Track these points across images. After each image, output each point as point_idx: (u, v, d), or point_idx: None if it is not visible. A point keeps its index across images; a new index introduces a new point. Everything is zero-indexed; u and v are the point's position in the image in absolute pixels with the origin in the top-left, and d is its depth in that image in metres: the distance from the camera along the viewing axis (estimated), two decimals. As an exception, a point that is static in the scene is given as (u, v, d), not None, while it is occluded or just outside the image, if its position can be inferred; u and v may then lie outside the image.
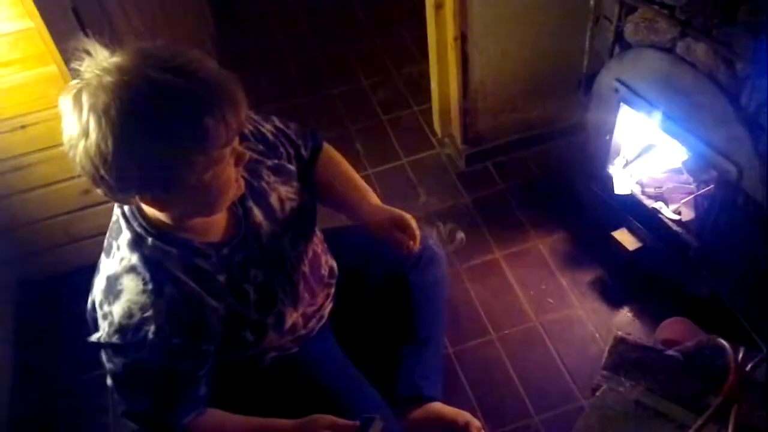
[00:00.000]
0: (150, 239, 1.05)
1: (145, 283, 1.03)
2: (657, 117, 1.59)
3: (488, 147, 2.28)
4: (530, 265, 1.96)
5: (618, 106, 1.72)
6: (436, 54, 2.14)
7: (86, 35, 1.72)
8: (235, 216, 1.16)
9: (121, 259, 1.05)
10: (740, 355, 1.09)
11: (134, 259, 1.04)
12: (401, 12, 3.04)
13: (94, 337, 1.07)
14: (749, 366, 1.10)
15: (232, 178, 1.04)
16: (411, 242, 1.34)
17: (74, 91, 0.91)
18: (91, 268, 1.96)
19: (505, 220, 2.11)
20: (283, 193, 1.26)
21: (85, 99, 0.89)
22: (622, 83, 1.66)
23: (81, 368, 1.86)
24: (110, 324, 1.04)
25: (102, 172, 0.92)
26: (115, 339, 1.03)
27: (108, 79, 0.89)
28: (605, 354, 1.32)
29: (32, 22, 1.58)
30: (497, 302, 1.88)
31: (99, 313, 1.07)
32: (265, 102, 2.61)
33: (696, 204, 1.69)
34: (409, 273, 1.55)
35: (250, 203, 1.19)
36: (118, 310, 1.03)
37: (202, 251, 1.10)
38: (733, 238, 1.54)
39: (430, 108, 2.41)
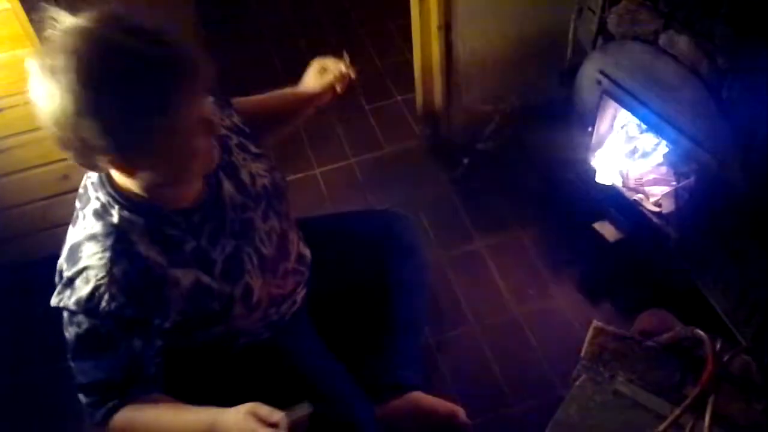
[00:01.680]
0: (117, 208, 1.06)
1: (103, 251, 1.04)
2: (639, 109, 1.60)
3: (471, 136, 2.28)
4: (511, 256, 1.97)
5: (600, 98, 1.72)
6: (420, 43, 2.13)
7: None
8: (206, 185, 1.16)
9: (84, 228, 1.07)
10: (718, 347, 1.11)
11: (97, 227, 1.05)
12: (386, 0, 3.02)
13: (54, 301, 1.08)
14: (727, 357, 1.11)
15: (202, 147, 1.04)
16: (344, 73, 1.49)
17: (39, 55, 0.92)
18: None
19: (486, 211, 2.11)
20: (253, 168, 1.27)
21: (48, 62, 0.91)
22: (605, 75, 1.66)
23: (56, 355, 1.84)
24: (68, 289, 1.05)
25: (67, 133, 0.93)
26: (71, 304, 1.04)
27: (69, 40, 0.90)
28: (584, 344, 1.32)
29: (8, 4, 1.56)
30: (478, 292, 1.88)
31: (60, 280, 1.08)
32: (247, 88, 2.57)
33: (676, 196, 1.70)
34: (389, 262, 1.55)
35: (221, 175, 1.19)
36: (75, 275, 1.04)
37: (171, 219, 1.10)
38: (712, 230, 1.55)
39: (414, 97, 2.40)
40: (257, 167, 1.28)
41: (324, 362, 1.40)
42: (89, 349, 1.07)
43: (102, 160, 0.98)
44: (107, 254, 1.04)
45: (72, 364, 1.10)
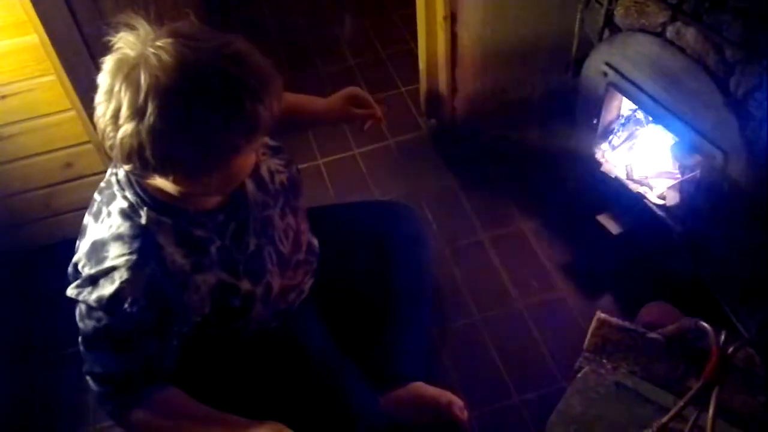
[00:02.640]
0: (145, 209, 1.05)
1: (130, 253, 1.03)
2: (645, 101, 1.59)
3: (475, 128, 2.27)
4: (514, 248, 1.96)
5: (606, 90, 1.72)
6: (425, 34, 2.12)
7: (69, 5, 1.70)
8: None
9: (110, 226, 1.05)
10: (722, 339, 1.10)
11: (124, 228, 1.04)
12: (390, -9, 3.01)
13: (71, 292, 1.07)
14: (731, 350, 1.11)
15: (249, 165, 1.05)
16: (372, 111, 1.45)
17: (114, 64, 0.90)
18: (72, 242, 1.94)
19: (490, 202, 2.11)
20: (272, 165, 1.26)
21: (143, 78, 0.88)
22: (611, 67, 1.66)
23: (58, 343, 1.84)
24: (90, 284, 1.04)
25: (147, 152, 0.92)
26: (92, 300, 1.03)
27: (153, 61, 0.88)
28: (587, 336, 1.32)
29: (13, -10, 1.55)
30: (481, 284, 1.88)
31: (79, 271, 1.07)
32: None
33: (681, 189, 1.69)
34: (393, 253, 1.55)
35: None
36: (99, 273, 1.03)
37: (197, 219, 1.10)
38: (716, 223, 1.55)
39: (418, 88, 2.38)
40: (276, 163, 1.27)
41: (330, 351, 1.40)
42: (106, 343, 1.07)
43: (157, 174, 0.98)
44: (134, 257, 1.03)
45: (85, 352, 1.10)
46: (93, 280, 1.04)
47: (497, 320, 1.79)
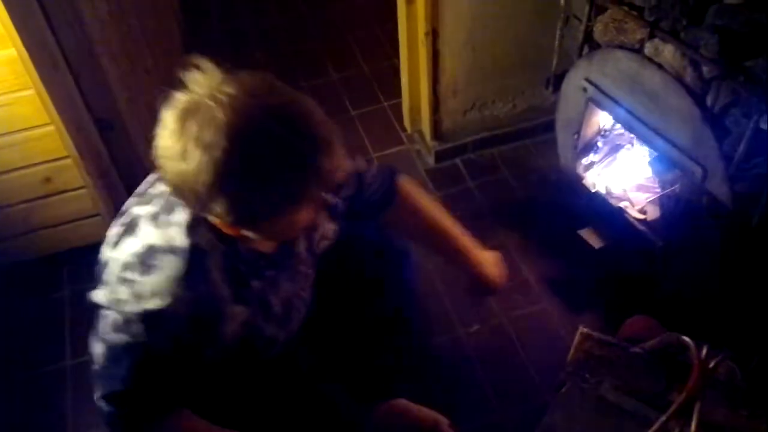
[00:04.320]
0: (204, 229, 1.02)
1: (184, 272, 1.00)
2: (624, 117, 1.61)
3: (457, 144, 2.28)
4: (497, 262, 1.97)
5: (586, 105, 1.73)
6: (407, 49, 2.13)
7: (48, 19, 1.69)
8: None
9: (169, 236, 1.01)
10: (704, 353, 1.11)
11: (184, 242, 1.01)
12: (373, 6, 3.02)
13: (101, 297, 1.03)
14: (712, 364, 1.12)
15: (308, 220, 1.04)
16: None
17: (180, 110, 0.90)
18: (49, 259, 1.91)
19: (472, 217, 2.10)
20: (326, 231, 1.25)
21: (190, 126, 0.88)
22: (591, 83, 1.67)
23: (38, 360, 1.82)
24: (132, 294, 1.00)
25: (187, 193, 0.92)
26: (132, 313, 0.99)
27: (219, 116, 0.87)
28: (570, 351, 1.32)
29: (-11, 4, 1.53)
30: (464, 299, 1.87)
31: (119, 274, 1.02)
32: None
33: (661, 203, 1.71)
34: (379, 268, 1.54)
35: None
36: (145, 285, 0.99)
37: (243, 257, 1.07)
38: (696, 237, 1.56)
39: (400, 103, 2.40)
40: (330, 228, 1.26)
41: (318, 367, 1.39)
42: (133, 361, 1.03)
43: (214, 216, 0.97)
44: (186, 276, 1.00)
45: (104, 367, 1.05)
46: (138, 291, 1.00)
47: (480, 335, 1.79)
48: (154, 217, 1.04)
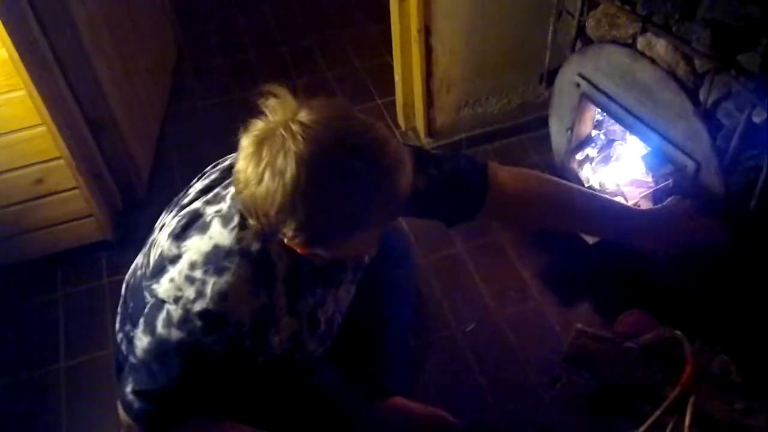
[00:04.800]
0: (276, 240, 1.04)
1: (253, 276, 1.02)
2: (617, 111, 1.61)
3: (451, 140, 2.28)
4: (492, 259, 1.97)
5: (579, 101, 1.73)
6: (400, 46, 2.13)
7: (38, 19, 1.69)
8: None
9: (241, 239, 1.03)
10: (697, 347, 1.11)
11: (255, 247, 1.03)
12: (365, 4, 3.02)
13: (163, 291, 1.03)
14: (706, 357, 1.12)
15: (375, 240, 1.09)
16: None
17: (257, 138, 0.93)
18: (41, 261, 1.90)
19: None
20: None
21: (265, 153, 0.91)
22: (584, 78, 1.67)
23: (33, 363, 1.81)
24: (197, 292, 1.01)
25: (260, 215, 0.94)
26: (194, 309, 1.00)
27: (291, 144, 0.89)
28: (565, 346, 1.32)
29: (-20, 6, 1.53)
30: (459, 296, 1.88)
31: (186, 272, 1.03)
32: (227, 94, 2.57)
33: (654, 198, 1.71)
34: (378, 268, 1.54)
35: None
36: (214, 285, 1.01)
37: (302, 269, 1.10)
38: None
39: (394, 101, 2.39)
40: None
41: (322, 367, 1.39)
42: (181, 359, 1.03)
43: (285, 238, 0.99)
44: (256, 280, 1.03)
45: (145, 361, 1.05)
46: (204, 290, 1.01)
47: (475, 332, 1.79)
48: (227, 219, 1.06)
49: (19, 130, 1.71)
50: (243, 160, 0.94)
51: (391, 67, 2.29)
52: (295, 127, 0.91)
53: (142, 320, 1.06)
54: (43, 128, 1.72)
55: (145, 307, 1.07)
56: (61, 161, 1.80)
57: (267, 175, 0.91)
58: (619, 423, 1.17)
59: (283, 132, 0.91)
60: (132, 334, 1.09)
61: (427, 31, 1.98)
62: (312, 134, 0.91)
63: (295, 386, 1.31)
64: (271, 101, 0.95)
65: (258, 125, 0.95)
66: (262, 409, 1.26)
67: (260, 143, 0.92)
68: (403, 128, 2.40)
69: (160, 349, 1.03)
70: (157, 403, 1.06)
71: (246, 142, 0.94)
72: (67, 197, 1.88)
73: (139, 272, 1.17)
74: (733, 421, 1.14)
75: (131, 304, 1.15)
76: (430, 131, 2.26)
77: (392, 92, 2.37)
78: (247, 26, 3.04)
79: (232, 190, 1.08)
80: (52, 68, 1.78)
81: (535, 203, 1.36)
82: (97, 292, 1.95)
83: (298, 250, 1.03)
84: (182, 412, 1.08)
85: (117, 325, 1.23)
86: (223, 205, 1.08)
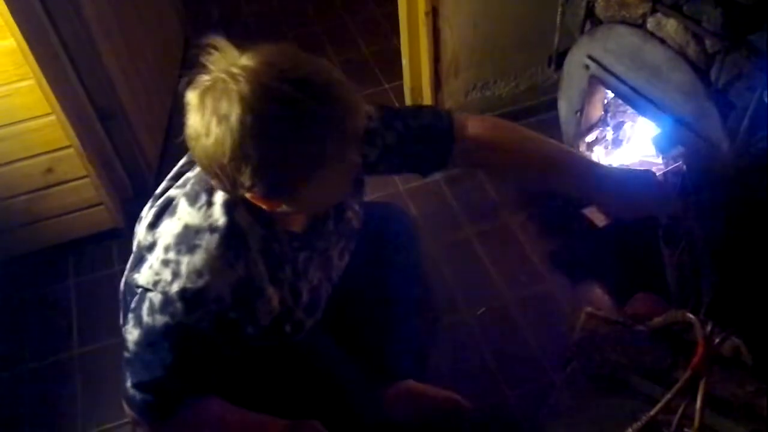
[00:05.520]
0: (243, 208, 1.04)
1: (225, 248, 1.02)
2: (627, 93, 1.59)
3: (460, 124, 2.27)
4: (501, 243, 1.96)
5: (588, 83, 1.72)
6: (407, 29, 2.11)
7: (46, 8, 1.69)
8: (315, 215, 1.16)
9: (209, 216, 1.03)
10: (708, 330, 1.11)
11: (223, 221, 1.03)
12: (371, -13, 3.00)
13: (142, 279, 1.03)
14: (717, 340, 1.11)
15: (341, 186, 1.06)
16: None
17: (200, 89, 0.91)
18: (53, 250, 1.92)
19: (476, 198, 2.10)
20: (355, 206, 1.26)
21: (208, 101, 0.90)
22: (593, 59, 1.66)
23: (45, 352, 1.83)
24: (173, 273, 1.01)
25: (216, 169, 0.93)
26: (173, 291, 1.00)
27: (232, 86, 0.88)
28: (576, 329, 1.32)
29: (-14, -6, 1.53)
30: (469, 280, 1.88)
31: (161, 256, 1.03)
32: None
33: (665, 180, 1.70)
34: (386, 254, 1.54)
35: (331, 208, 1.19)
36: (188, 264, 1.01)
37: (279, 237, 1.09)
38: (701, 214, 1.55)
39: (402, 85, 2.38)
40: (355, 201, 1.27)
41: (330, 350, 1.40)
42: (170, 343, 1.03)
43: (243, 193, 0.97)
44: (228, 253, 1.02)
45: (137, 353, 1.05)
46: (179, 270, 1.01)
47: (485, 316, 1.79)
48: (192, 198, 1.05)
49: (29, 119, 1.72)
50: (190, 114, 0.93)
51: (398, 52, 2.27)
52: (235, 71, 0.90)
53: (130, 315, 1.06)
54: (52, 117, 1.72)
55: (132, 301, 1.08)
56: (71, 150, 1.80)
57: (213, 123, 0.89)
58: (629, 406, 1.17)
59: (224, 77, 0.90)
60: (127, 321, 1.10)
61: (434, 13, 1.96)
62: (253, 74, 0.89)
63: (305, 373, 1.31)
64: (214, 54, 0.93)
65: (201, 78, 0.93)
66: (269, 397, 1.26)
67: (203, 93, 0.91)
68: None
69: (149, 337, 1.03)
70: (157, 393, 1.07)
71: (190, 95, 0.93)
72: (77, 186, 1.89)
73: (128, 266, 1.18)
74: (745, 403, 1.14)
75: (128, 297, 1.16)
76: (439, 115, 2.25)
77: (400, 76, 2.36)
78: (254, 13, 3.03)
79: (195, 169, 1.08)
80: (61, 57, 1.78)
81: (503, 149, 1.33)
82: (108, 280, 1.96)
83: (264, 207, 1.01)
84: (182, 399, 1.09)
85: (121, 320, 1.24)
86: (188, 186, 1.07)
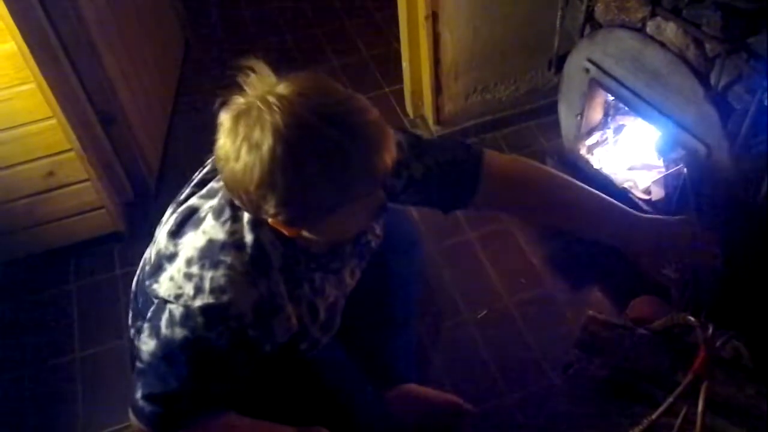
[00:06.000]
0: (266, 227, 1.03)
1: (249, 267, 1.02)
2: (627, 96, 1.60)
3: (460, 128, 2.27)
4: (502, 245, 1.97)
5: (588, 86, 1.72)
6: (407, 33, 2.12)
7: (46, 12, 1.69)
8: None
9: (234, 232, 1.03)
10: (709, 333, 1.11)
11: (249, 238, 1.03)
12: (372, -9, 3.01)
13: (163, 291, 1.03)
14: (718, 343, 1.11)
15: (364, 220, 1.06)
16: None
17: (234, 113, 0.91)
18: (54, 253, 1.92)
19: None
20: (376, 230, 1.26)
21: (241, 127, 0.90)
22: (593, 63, 1.66)
23: (47, 353, 1.83)
24: (196, 288, 1.01)
25: (241, 192, 0.93)
26: (195, 306, 1.00)
27: (267, 116, 0.88)
28: (577, 333, 1.32)
29: (-13, -2, 1.53)
30: (469, 283, 1.88)
31: (183, 269, 1.03)
32: (234, 85, 2.56)
33: (665, 183, 1.70)
34: (387, 257, 1.54)
35: None
36: (212, 280, 1.00)
37: (298, 257, 1.09)
38: (700, 217, 1.55)
39: (402, 89, 2.38)
40: (378, 226, 1.27)
41: (334, 355, 1.39)
42: (186, 357, 1.03)
43: (266, 218, 0.98)
44: (252, 271, 1.02)
45: (151, 364, 1.05)
46: (202, 285, 1.00)
47: (486, 319, 1.79)
48: (218, 213, 1.05)
49: (30, 123, 1.72)
50: (222, 136, 0.93)
51: (398, 55, 2.28)
52: (271, 99, 0.89)
53: (146, 325, 1.06)
54: (53, 121, 1.73)
55: (149, 309, 1.07)
56: (72, 153, 1.81)
57: (244, 150, 0.89)
58: (630, 409, 1.17)
59: (259, 105, 0.90)
60: (141, 331, 1.09)
61: (434, 18, 1.97)
62: (288, 105, 0.89)
63: (307, 378, 1.31)
64: (251, 77, 0.93)
65: (236, 101, 0.93)
66: (273, 403, 1.26)
67: (237, 118, 0.91)
68: (411, 116, 2.39)
69: (166, 349, 1.03)
70: (168, 405, 1.06)
71: (224, 117, 0.93)
72: (78, 189, 1.89)
73: (146, 268, 1.18)
74: (745, 405, 1.14)
75: (140, 299, 1.16)
76: (439, 119, 2.25)
77: (400, 80, 2.36)
78: (253, 16, 3.03)
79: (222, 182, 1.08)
80: (61, 61, 1.78)
81: (528, 194, 1.31)
82: (110, 283, 1.96)
83: (285, 233, 1.01)
84: (193, 412, 1.08)
85: (129, 320, 1.24)
86: (216, 200, 1.07)
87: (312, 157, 0.90)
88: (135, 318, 1.20)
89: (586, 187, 1.31)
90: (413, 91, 2.30)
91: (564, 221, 1.37)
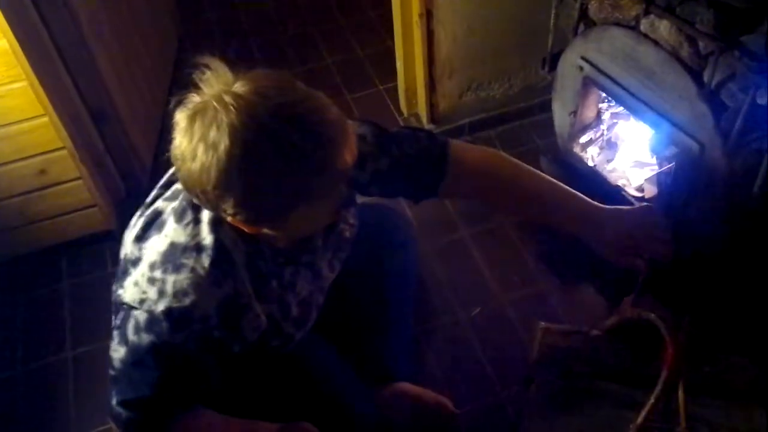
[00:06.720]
0: (226, 226, 1.03)
1: (211, 268, 1.01)
2: (621, 94, 1.60)
3: (454, 126, 2.27)
4: (496, 243, 1.97)
5: (582, 84, 1.72)
6: (401, 31, 2.12)
7: (38, 9, 1.68)
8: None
9: (195, 234, 1.02)
10: (671, 325, 1.09)
11: (209, 239, 1.02)
12: (366, -11, 3.01)
13: (128, 297, 1.02)
14: (682, 336, 1.10)
15: (326, 215, 1.05)
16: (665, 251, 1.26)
17: (190, 112, 0.90)
18: (46, 252, 1.91)
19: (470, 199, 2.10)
20: (349, 219, 1.25)
21: (197, 127, 0.89)
22: (587, 61, 1.66)
23: (39, 352, 1.82)
24: (159, 292, 1.00)
25: (198, 192, 0.92)
26: (159, 310, 0.99)
27: (223, 116, 0.87)
28: (534, 347, 1.29)
29: (-21, -5, 1.52)
30: (463, 281, 1.88)
31: (147, 273, 1.02)
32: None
33: (659, 181, 1.70)
34: (381, 256, 1.54)
35: None
36: (174, 283, 1.00)
37: (264, 253, 1.08)
38: (693, 214, 1.55)
39: (396, 86, 2.38)
40: (350, 215, 1.27)
41: (325, 351, 1.39)
42: (156, 362, 1.02)
43: (225, 217, 0.97)
44: (215, 272, 1.01)
45: (122, 371, 1.04)
46: (165, 289, 1.00)
47: (480, 317, 1.79)
48: (179, 215, 1.04)
49: (21, 121, 1.71)
50: (178, 135, 0.91)
51: (392, 53, 2.28)
52: (228, 99, 0.88)
53: (115, 332, 1.05)
54: (45, 119, 1.72)
55: (117, 317, 1.07)
56: (64, 152, 1.80)
57: (200, 150, 0.88)
58: (603, 411, 1.15)
59: (215, 104, 0.88)
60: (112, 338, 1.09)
61: (428, 16, 1.97)
62: (245, 105, 0.88)
63: (297, 375, 1.30)
64: (207, 74, 0.92)
65: (192, 99, 0.92)
66: (262, 401, 1.26)
67: (193, 117, 0.90)
68: (405, 114, 2.39)
69: (135, 355, 1.02)
70: (143, 410, 1.06)
71: (179, 116, 0.91)
72: (70, 188, 1.88)
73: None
74: (708, 382, 1.15)
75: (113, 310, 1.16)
76: (433, 117, 2.25)
77: (394, 78, 2.36)
78: (248, 14, 3.03)
79: None
80: (53, 59, 1.77)
81: (493, 182, 1.32)
82: (101, 281, 1.95)
83: (246, 230, 1.01)
84: (170, 415, 1.08)
85: (113, 321, 1.24)
86: (177, 201, 1.06)
87: (269, 158, 0.88)
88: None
89: (549, 177, 1.34)
90: (407, 89, 2.30)
91: (528, 208, 1.38)
